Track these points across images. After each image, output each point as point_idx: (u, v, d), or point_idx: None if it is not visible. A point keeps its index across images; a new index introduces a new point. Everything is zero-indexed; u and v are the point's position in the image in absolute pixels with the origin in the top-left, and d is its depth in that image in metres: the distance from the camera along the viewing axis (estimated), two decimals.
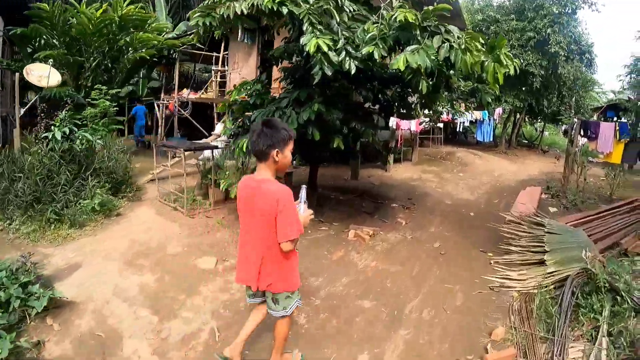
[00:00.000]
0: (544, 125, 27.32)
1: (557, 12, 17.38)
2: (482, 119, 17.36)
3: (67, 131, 6.98)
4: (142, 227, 6.75)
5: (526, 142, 28.27)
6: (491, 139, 19.37)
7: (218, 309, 4.59)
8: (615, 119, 17.80)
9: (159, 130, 15.81)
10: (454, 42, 4.51)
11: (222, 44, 14.81)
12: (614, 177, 11.55)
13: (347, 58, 4.83)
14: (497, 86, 7.10)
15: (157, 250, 5.89)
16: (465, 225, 8.14)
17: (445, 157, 16.12)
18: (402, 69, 4.24)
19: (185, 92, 15.89)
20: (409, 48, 4.44)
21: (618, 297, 4.48)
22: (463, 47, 4.48)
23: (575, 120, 11.62)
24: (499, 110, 18.46)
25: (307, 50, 4.52)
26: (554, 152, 25.39)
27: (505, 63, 4.46)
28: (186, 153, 8.07)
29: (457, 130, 18.64)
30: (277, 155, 2.75)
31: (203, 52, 15.93)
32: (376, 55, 4.44)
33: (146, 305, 4.51)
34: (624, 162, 11.06)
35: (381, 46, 4.53)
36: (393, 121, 12.21)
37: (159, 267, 5.36)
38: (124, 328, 4.12)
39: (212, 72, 15.76)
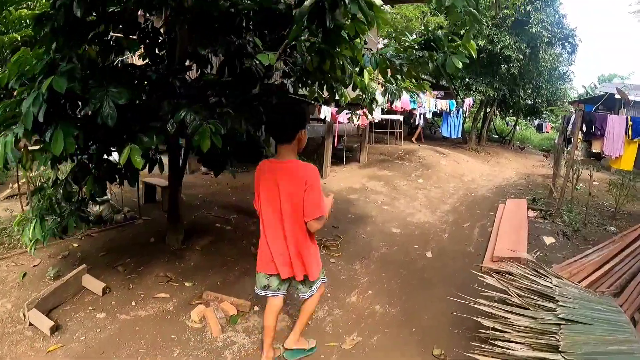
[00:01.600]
0: (516, 119, 24.66)
1: None
2: (448, 110, 14.14)
3: None
4: None
5: (497, 137, 25.72)
6: (459, 135, 16.30)
7: None
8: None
9: None
10: None
11: None
12: (620, 187, 8.62)
13: None
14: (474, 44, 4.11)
15: None
16: (415, 284, 4.90)
17: (403, 157, 12.96)
18: None
19: None
20: None
21: None
22: None
23: (572, 110, 8.67)
24: (469, 100, 15.48)
25: None
26: (527, 148, 22.92)
27: None
28: None
29: (416, 123, 15.36)
30: (303, 135, 2.72)
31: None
32: None
33: None
34: (638, 168, 8.11)
35: None
36: (327, 111, 8.98)
37: None
38: None
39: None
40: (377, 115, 10.33)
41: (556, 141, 10.86)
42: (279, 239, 2.76)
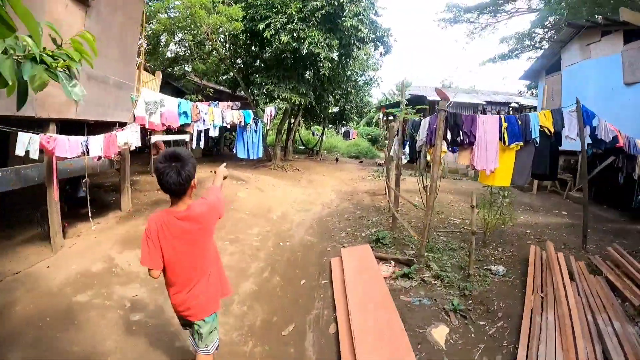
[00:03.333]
0: (323, 128, 22.80)
1: None
2: (243, 124, 10.66)
3: None
4: None
5: (303, 148, 23.65)
6: (260, 155, 12.67)
7: None
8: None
9: None
10: None
11: None
12: (490, 206, 6.37)
13: None
14: None
15: None
16: None
17: (194, 193, 9.31)
18: None
19: None
20: None
21: None
22: None
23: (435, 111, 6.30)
24: (270, 110, 12.43)
25: None
26: (337, 156, 21.14)
27: None
28: None
29: (194, 145, 11.50)
30: (194, 182, 2.60)
31: None
32: None
33: None
34: (515, 183, 5.75)
35: None
36: (27, 141, 4.94)
37: None
38: None
39: None
40: (133, 140, 6.49)
41: (392, 152, 8.33)
42: (205, 284, 2.75)
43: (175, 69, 15.51)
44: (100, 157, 6.19)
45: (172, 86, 15.56)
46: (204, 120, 7.65)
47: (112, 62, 6.85)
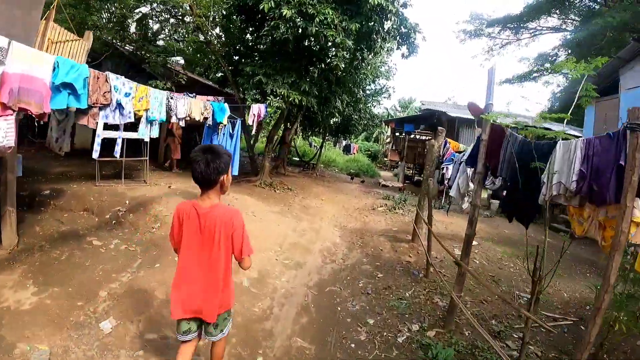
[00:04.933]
0: (323, 139, 19.62)
1: None
2: (210, 123, 7.13)
3: None
4: None
5: (298, 160, 20.56)
6: (234, 172, 8.10)
7: None
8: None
9: None
10: None
11: None
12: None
13: None
14: None
15: None
16: None
17: (120, 221, 5.98)
18: None
19: None
20: None
21: None
22: None
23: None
24: (258, 108, 9.22)
25: None
26: (362, 180, 18.08)
27: None
28: None
29: (97, 152, 7.90)
30: (225, 180, 2.61)
31: None
32: None
33: None
34: None
35: None
36: None
37: None
38: None
39: None
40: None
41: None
42: (205, 282, 2.62)
43: (153, 51, 12.24)
44: None
45: (146, 73, 12.28)
46: (120, 107, 4.13)
47: None
